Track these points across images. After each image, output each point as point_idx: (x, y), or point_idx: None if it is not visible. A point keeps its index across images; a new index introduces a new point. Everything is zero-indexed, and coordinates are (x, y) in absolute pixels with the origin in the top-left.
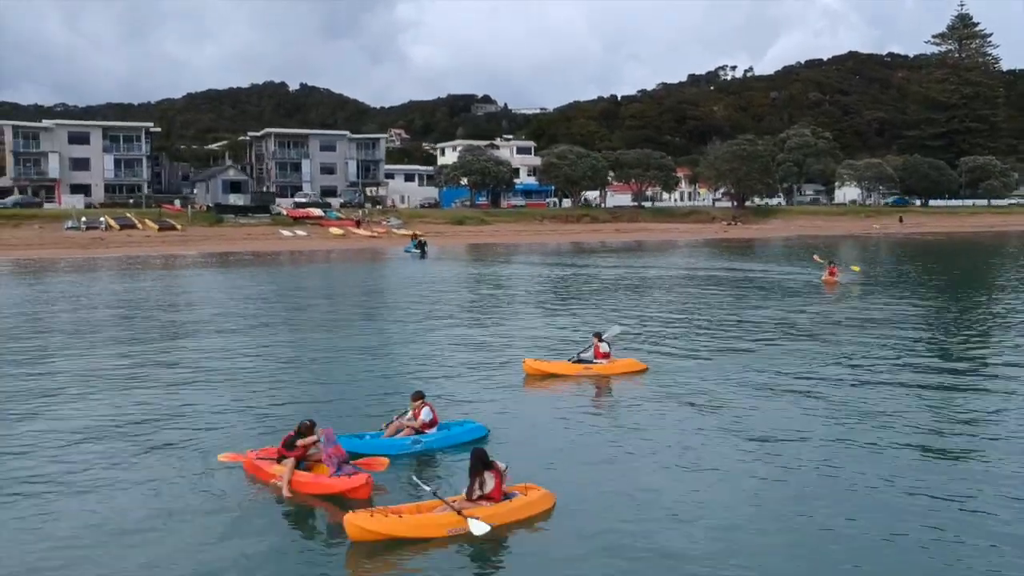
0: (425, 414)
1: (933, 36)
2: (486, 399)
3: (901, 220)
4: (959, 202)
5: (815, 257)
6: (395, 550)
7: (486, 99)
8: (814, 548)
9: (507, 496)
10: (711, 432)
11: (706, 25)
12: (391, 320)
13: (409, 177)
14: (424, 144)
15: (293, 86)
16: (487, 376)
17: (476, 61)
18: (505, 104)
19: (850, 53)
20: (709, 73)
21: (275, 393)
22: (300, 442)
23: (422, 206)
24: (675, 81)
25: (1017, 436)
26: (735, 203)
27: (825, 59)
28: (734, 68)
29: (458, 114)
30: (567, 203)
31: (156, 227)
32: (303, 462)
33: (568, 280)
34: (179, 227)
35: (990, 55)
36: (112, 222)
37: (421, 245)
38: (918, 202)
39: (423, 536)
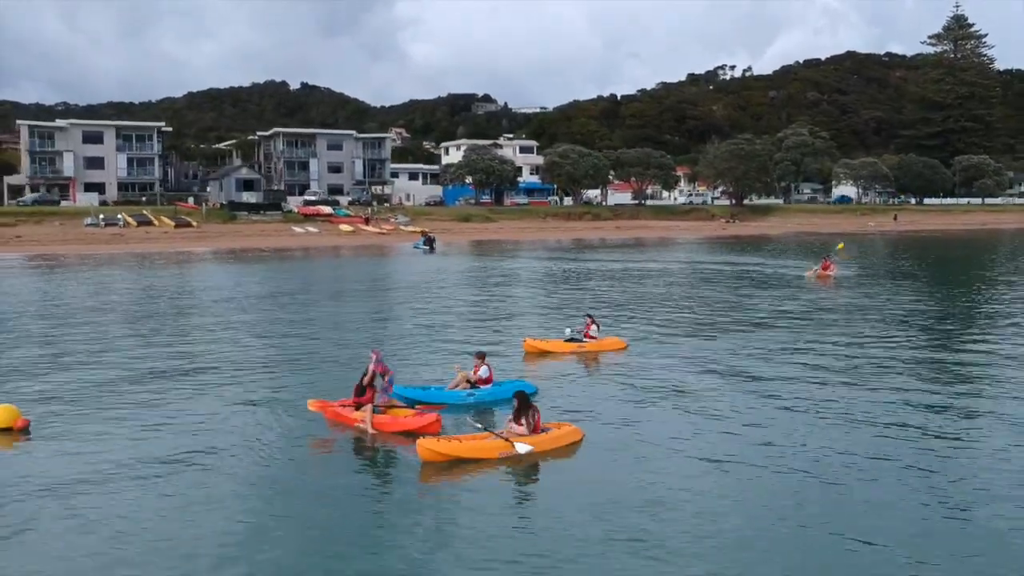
0: (483, 371)
1: (929, 36)
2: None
3: (896, 218)
4: (953, 200)
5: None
6: (455, 468)
7: (486, 98)
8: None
9: (544, 429)
10: (678, 391)
11: (706, 23)
12: (411, 306)
13: (413, 175)
14: (425, 143)
15: (294, 85)
16: (495, 351)
17: (476, 59)
18: (505, 103)
19: (848, 53)
20: (708, 72)
21: (333, 363)
22: (365, 380)
23: (428, 204)
24: (675, 80)
25: (1004, 426)
26: (733, 201)
27: (823, 59)
28: (733, 68)
29: (458, 113)
30: (568, 201)
31: (173, 224)
32: (376, 408)
33: (568, 273)
34: (195, 224)
35: (985, 55)
36: (130, 219)
37: (430, 241)
38: (913, 200)
39: (479, 456)
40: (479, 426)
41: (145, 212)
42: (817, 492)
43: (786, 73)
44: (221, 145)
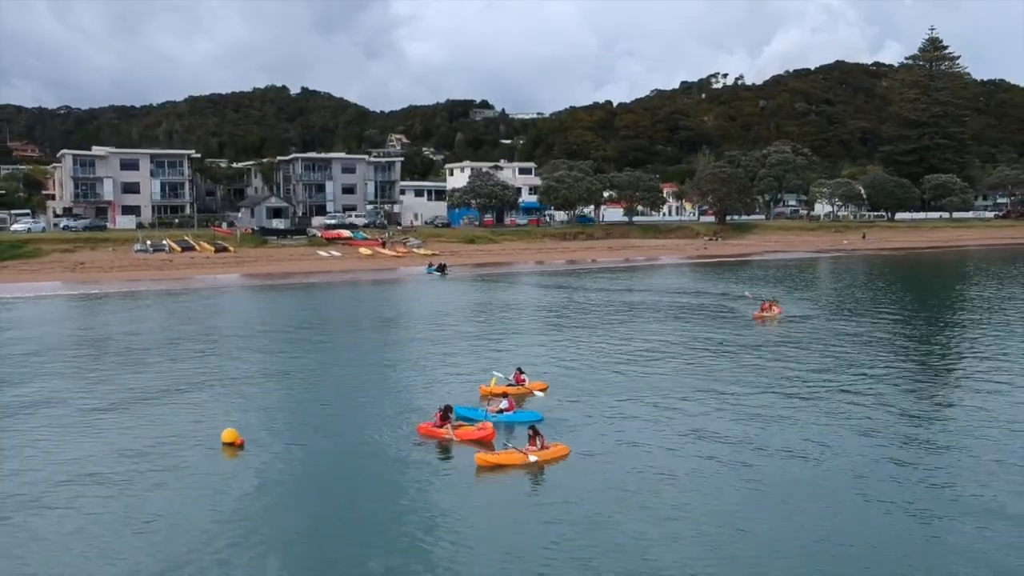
0: (503, 404)
1: (906, 57)
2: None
3: (864, 237)
4: (923, 215)
5: (746, 294)
6: (496, 471)
7: (484, 104)
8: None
9: (545, 447)
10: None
11: (704, 21)
12: (429, 338)
13: (419, 192)
14: (424, 149)
15: (294, 90)
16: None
17: (473, 57)
18: (503, 110)
19: (837, 62)
20: (701, 80)
21: (409, 391)
22: (446, 418)
23: (436, 225)
24: (668, 88)
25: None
26: (717, 219)
27: (813, 68)
28: (725, 76)
29: (457, 119)
30: (562, 214)
31: (212, 249)
32: (450, 426)
33: (554, 308)
34: (232, 249)
35: (961, 71)
36: (174, 245)
37: (441, 267)
38: (885, 216)
39: (510, 463)
40: (509, 445)
41: (187, 238)
42: (733, 483)
43: (776, 83)
44: (240, 165)
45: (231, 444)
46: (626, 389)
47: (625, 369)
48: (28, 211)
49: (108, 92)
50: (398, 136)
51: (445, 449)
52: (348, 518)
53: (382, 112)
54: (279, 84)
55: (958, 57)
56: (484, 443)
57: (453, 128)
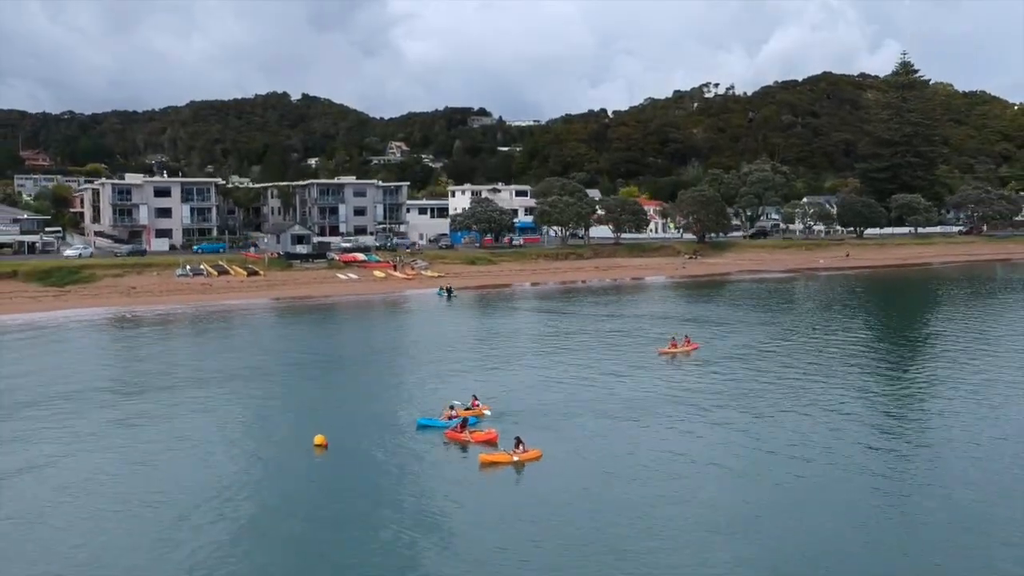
0: (453, 413)
1: (881, 79)
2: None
3: (848, 255)
4: (891, 230)
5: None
6: (492, 467)
7: (482, 112)
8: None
9: (525, 451)
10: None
11: (703, 20)
12: (435, 358)
13: (423, 211)
14: (423, 157)
15: (295, 96)
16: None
17: (470, 57)
18: (500, 117)
19: (824, 73)
20: (693, 89)
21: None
22: (463, 427)
23: (440, 247)
24: (664, 91)
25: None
26: (697, 238)
27: (800, 79)
28: (717, 85)
29: (455, 127)
30: (555, 230)
31: (245, 273)
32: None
33: (541, 337)
34: (262, 273)
35: (929, 98)
36: (211, 269)
37: (448, 291)
38: (854, 233)
39: (501, 461)
40: (501, 449)
41: (221, 263)
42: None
43: (764, 95)
44: (256, 186)
45: (320, 445)
46: (586, 408)
47: (587, 390)
48: (59, 228)
49: (106, 93)
50: (398, 144)
51: (464, 448)
52: (405, 491)
53: (382, 119)
54: (279, 90)
55: (929, 80)
56: (489, 444)
57: (451, 136)
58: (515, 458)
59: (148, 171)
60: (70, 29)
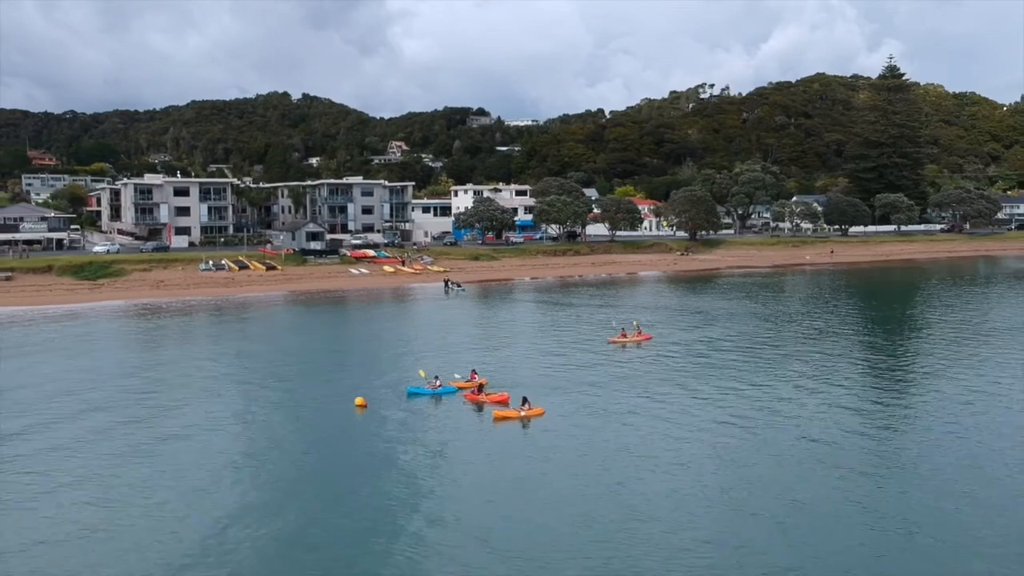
0: (437, 382)
1: (869, 84)
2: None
3: (832, 252)
4: (874, 228)
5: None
6: (503, 423)
7: (481, 111)
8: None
9: (530, 408)
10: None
11: (701, 18)
12: (443, 340)
13: (426, 210)
14: (423, 156)
15: (296, 96)
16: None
17: (468, 56)
18: (499, 117)
19: (817, 74)
20: (689, 90)
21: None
22: (480, 390)
23: (445, 244)
24: (661, 90)
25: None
26: (689, 236)
27: (794, 80)
28: (712, 86)
29: (455, 126)
30: (554, 228)
31: (264, 268)
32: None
33: (540, 325)
34: (279, 268)
35: (914, 100)
36: (232, 264)
37: (457, 284)
38: (839, 231)
39: (511, 416)
40: (512, 405)
41: (242, 258)
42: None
43: (759, 95)
44: (268, 185)
45: (361, 406)
46: (578, 381)
47: (582, 370)
48: (77, 227)
49: (103, 91)
50: (398, 143)
51: (480, 407)
52: (439, 438)
53: (382, 118)
54: (277, 88)
55: (914, 84)
56: (502, 404)
57: (451, 135)
58: (522, 414)
59: (152, 170)
60: (64, 26)
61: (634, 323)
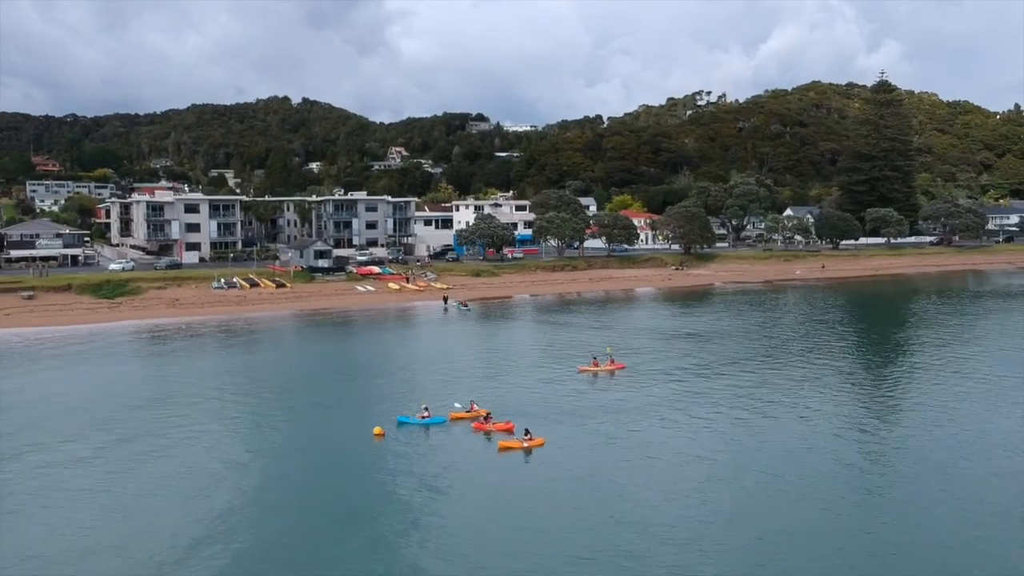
0: (425, 413)
1: (861, 98)
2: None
3: (823, 267)
4: (865, 241)
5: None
6: (507, 453)
7: (480, 117)
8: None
9: (532, 438)
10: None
11: (700, 18)
12: (447, 367)
13: (428, 223)
14: (422, 162)
15: (296, 99)
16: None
17: (466, 56)
18: (498, 123)
19: (813, 82)
20: (686, 96)
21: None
22: (487, 416)
23: (447, 259)
24: (660, 91)
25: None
26: (684, 250)
27: (790, 89)
28: (709, 93)
29: (454, 132)
30: (553, 242)
31: (273, 286)
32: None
33: (541, 347)
34: (289, 285)
35: (906, 115)
36: (243, 282)
37: (455, 302)
38: (830, 244)
39: (515, 446)
40: (514, 436)
41: (252, 275)
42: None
43: (755, 104)
44: (273, 199)
45: (379, 435)
46: (574, 411)
47: (581, 396)
48: (88, 239)
49: (101, 91)
50: (398, 149)
51: (488, 436)
52: (448, 466)
53: (381, 123)
54: (276, 89)
55: (904, 99)
56: (507, 432)
57: (450, 141)
58: (525, 444)
59: (155, 176)
60: (62, 26)
61: (607, 350)
